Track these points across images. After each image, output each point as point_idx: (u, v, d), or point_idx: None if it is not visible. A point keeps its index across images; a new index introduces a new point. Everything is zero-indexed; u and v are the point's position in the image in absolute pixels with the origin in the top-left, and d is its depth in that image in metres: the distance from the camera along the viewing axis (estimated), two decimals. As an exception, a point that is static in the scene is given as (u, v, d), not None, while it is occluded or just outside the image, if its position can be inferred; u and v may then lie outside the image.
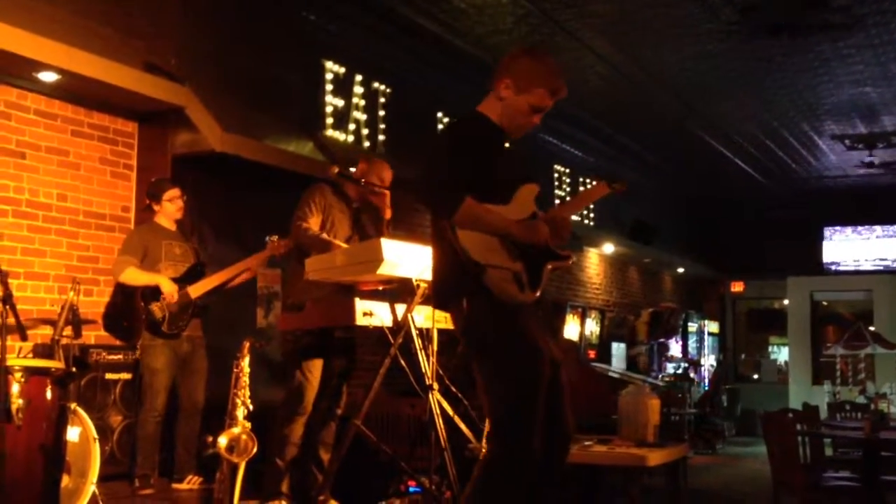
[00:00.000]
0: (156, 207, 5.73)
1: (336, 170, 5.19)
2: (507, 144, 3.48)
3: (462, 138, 3.30)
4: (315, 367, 4.89)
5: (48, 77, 5.51)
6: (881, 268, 15.50)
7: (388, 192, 5.08)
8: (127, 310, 5.61)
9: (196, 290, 5.59)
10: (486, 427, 4.03)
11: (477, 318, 3.19)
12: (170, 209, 5.72)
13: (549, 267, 3.30)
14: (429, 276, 4.25)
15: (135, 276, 5.51)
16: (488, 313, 3.17)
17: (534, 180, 3.44)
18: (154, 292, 5.50)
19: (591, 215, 11.83)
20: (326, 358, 4.95)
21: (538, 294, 3.26)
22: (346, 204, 5.11)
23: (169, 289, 5.49)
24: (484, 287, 3.11)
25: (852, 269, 15.67)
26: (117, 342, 5.80)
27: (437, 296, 3.39)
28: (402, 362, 4.46)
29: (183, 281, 5.60)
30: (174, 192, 5.74)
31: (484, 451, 4.03)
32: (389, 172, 5.19)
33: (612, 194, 3.57)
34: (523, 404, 3.13)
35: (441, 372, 4.42)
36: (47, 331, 4.66)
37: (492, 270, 3.12)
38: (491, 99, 3.37)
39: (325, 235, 4.89)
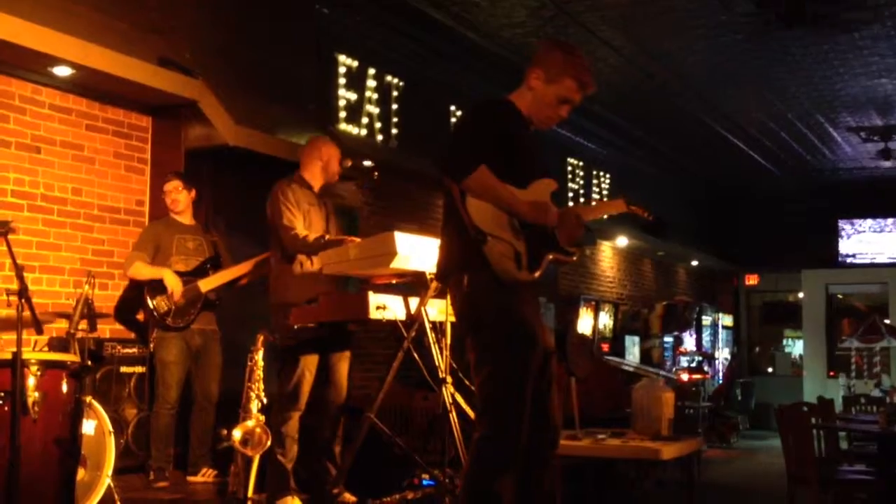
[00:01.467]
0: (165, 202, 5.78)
1: (349, 163, 5.19)
2: (531, 136, 3.50)
3: (489, 114, 3.37)
4: (313, 363, 4.87)
5: (63, 71, 5.53)
6: (897, 260, 15.41)
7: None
8: (139, 304, 5.64)
9: (207, 283, 5.60)
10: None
11: (476, 295, 3.23)
12: (166, 202, 5.74)
13: (550, 257, 3.32)
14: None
15: (140, 271, 5.54)
16: (487, 292, 3.21)
17: (552, 177, 3.48)
18: (160, 286, 5.53)
19: (605, 208, 11.78)
20: (325, 352, 4.92)
21: (536, 276, 3.28)
22: (315, 196, 5.08)
23: (171, 282, 5.51)
24: (484, 259, 3.14)
25: (868, 261, 15.57)
26: (132, 335, 5.84)
27: (441, 268, 3.43)
28: (416, 356, 4.47)
29: (194, 274, 5.61)
30: (168, 186, 5.76)
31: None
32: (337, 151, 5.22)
33: (629, 212, 3.66)
34: (513, 386, 3.17)
35: (454, 365, 4.42)
36: (63, 324, 4.69)
37: (493, 241, 3.16)
38: (522, 89, 3.45)
39: (327, 236, 4.88)
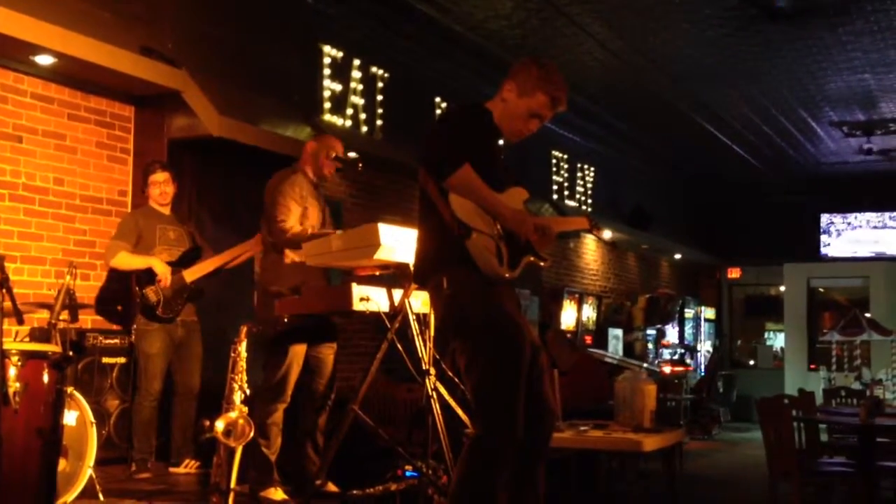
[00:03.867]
0: (146, 191, 5.73)
1: (334, 154, 5.17)
2: (500, 145, 3.57)
3: (469, 116, 3.41)
4: (301, 354, 4.86)
5: (45, 60, 5.49)
6: (878, 255, 15.52)
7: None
8: (121, 294, 5.61)
9: (191, 274, 5.59)
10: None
11: (457, 295, 3.24)
12: (153, 193, 5.70)
13: (528, 259, 3.39)
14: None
15: (126, 261, 5.51)
16: (469, 290, 3.22)
17: (524, 186, 3.52)
18: (149, 276, 5.50)
19: (589, 201, 11.82)
20: (312, 343, 4.91)
21: (515, 275, 3.32)
22: (315, 189, 5.06)
23: (162, 270, 5.49)
24: (466, 254, 3.16)
25: (849, 255, 15.68)
26: (114, 326, 5.81)
27: (418, 270, 3.44)
28: (399, 347, 4.47)
29: (178, 265, 5.59)
30: (157, 177, 5.70)
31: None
32: (340, 144, 5.16)
33: (588, 231, 3.75)
34: (505, 385, 3.17)
35: (438, 357, 4.43)
36: (44, 315, 4.67)
37: (477, 235, 3.18)
38: (495, 100, 3.49)
39: (309, 230, 4.87)
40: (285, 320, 4.62)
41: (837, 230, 15.83)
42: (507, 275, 3.28)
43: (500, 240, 3.26)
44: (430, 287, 3.38)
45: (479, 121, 3.40)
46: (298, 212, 4.89)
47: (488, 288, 3.23)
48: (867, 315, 13.85)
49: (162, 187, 5.70)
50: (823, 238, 15.81)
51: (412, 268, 3.48)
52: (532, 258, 3.40)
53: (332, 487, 4.71)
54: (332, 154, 5.05)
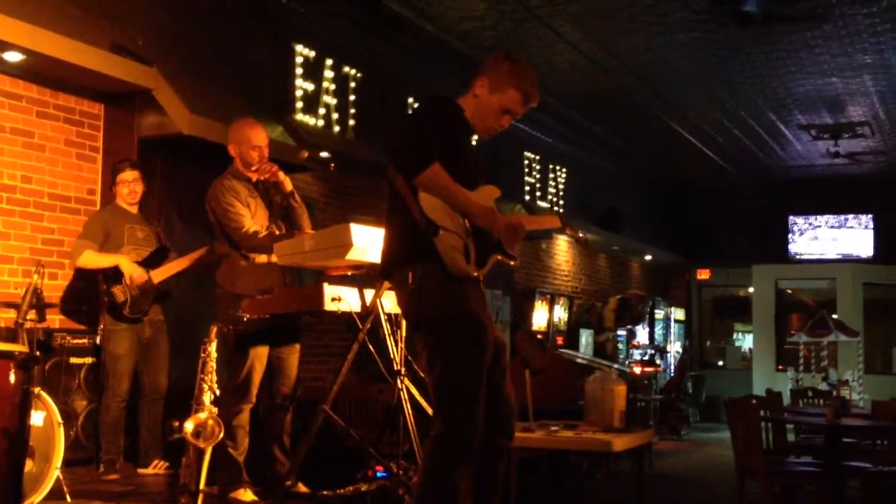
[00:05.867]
0: (114, 190, 5.68)
1: (306, 155, 5.15)
2: (473, 142, 3.54)
3: (443, 113, 3.38)
4: (263, 355, 4.82)
5: (12, 57, 5.42)
6: (844, 257, 15.72)
7: (270, 166, 4.85)
8: (87, 293, 5.55)
9: (158, 274, 5.55)
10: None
11: (422, 290, 3.23)
12: (121, 192, 5.65)
13: (498, 257, 3.39)
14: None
15: (93, 259, 5.45)
16: (435, 286, 3.22)
17: (495, 184, 3.51)
18: (116, 275, 5.45)
19: (561, 203, 11.87)
20: (274, 344, 4.88)
21: (483, 273, 3.33)
22: (254, 187, 4.94)
23: (129, 269, 5.44)
24: (433, 251, 3.16)
25: (816, 257, 15.87)
26: (82, 326, 5.75)
27: (384, 263, 3.43)
28: (371, 348, 4.46)
29: (145, 265, 5.55)
30: (126, 175, 5.65)
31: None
32: (262, 132, 4.95)
33: (559, 230, 3.70)
34: (467, 381, 3.18)
35: (409, 357, 4.43)
36: (11, 314, 4.62)
37: (444, 234, 3.18)
38: (467, 96, 3.47)
39: (276, 231, 4.83)
40: (245, 319, 4.58)
41: (804, 232, 16.01)
42: (474, 273, 3.28)
43: (467, 237, 3.26)
44: (394, 280, 3.37)
45: (452, 117, 3.38)
46: (249, 213, 4.82)
47: (454, 284, 3.23)
48: (834, 316, 14.02)
49: (131, 186, 5.65)
50: (791, 240, 15.99)
51: (381, 259, 3.46)
52: (500, 256, 3.41)
53: (302, 488, 4.69)
54: (252, 143, 4.88)
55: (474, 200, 3.29)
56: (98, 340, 5.53)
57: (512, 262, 3.48)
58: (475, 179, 3.40)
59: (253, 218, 4.85)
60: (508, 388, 3.40)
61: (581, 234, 3.99)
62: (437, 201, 3.20)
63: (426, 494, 3.17)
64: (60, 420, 4.38)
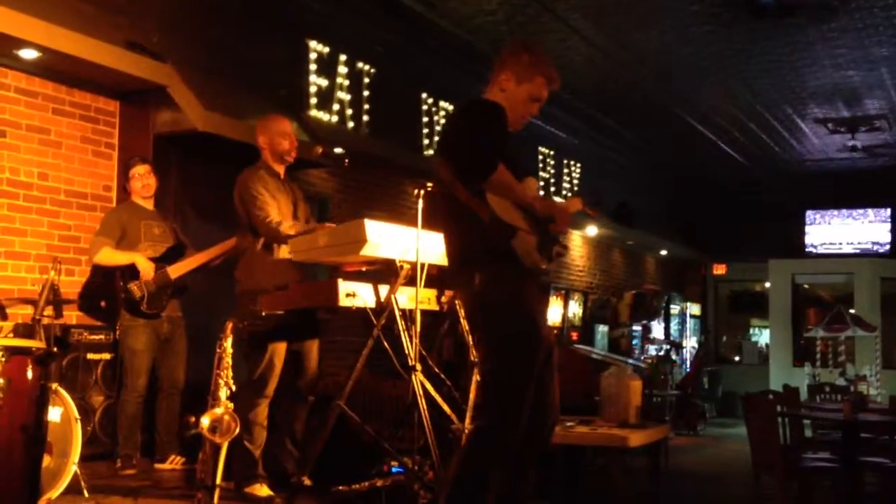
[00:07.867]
0: (128, 186, 5.70)
1: (320, 150, 5.15)
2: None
3: (492, 114, 3.46)
4: (281, 351, 4.83)
5: (28, 54, 5.45)
6: (862, 251, 15.61)
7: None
8: (105, 290, 5.57)
9: (176, 270, 5.56)
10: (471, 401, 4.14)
11: (486, 290, 3.32)
12: (135, 187, 5.67)
13: (561, 249, 3.52)
14: (412, 257, 4.27)
15: (110, 256, 5.47)
16: (498, 287, 3.31)
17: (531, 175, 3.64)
18: (133, 271, 5.48)
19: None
20: (294, 340, 4.89)
21: (551, 264, 3.51)
22: (282, 182, 4.99)
23: (144, 266, 5.46)
24: (506, 252, 3.25)
25: (833, 252, 15.77)
26: (99, 322, 5.78)
27: (450, 269, 3.52)
28: (385, 344, 4.46)
29: (162, 261, 5.57)
30: (139, 169, 5.67)
31: (467, 428, 4.09)
32: (289, 123, 5.07)
33: (582, 212, 3.85)
34: (517, 381, 3.26)
35: (424, 353, 4.43)
36: (28, 310, 4.63)
37: (522, 233, 3.29)
38: (493, 92, 3.55)
39: (306, 226, 4.85)
40: (262, 315, 4.59)
41: (822, 226, 15.91)
42: (544, 265, 3.42)
43: (534, 235, 3.36)
44: (459, 283, 3.48)
45: (500, 116, 3.46)
46: (276, 206, 4.86)
47: (518, 285, 3.34)
48: (851, 311, 13.93)
49: (144, 179, 5.67)
50: (808, 234, 15.89)
51: (448, 264, 3.56)
52: (558, 248, 3.51)
53: (306, 481, 4.69)
54: (283, 131, 4.97)
55: (536, 196, 3.44)
56: (117, 335, 5.56)
57: (564, 250, 3.60)
58: (517, 173, 3.46)
59: (279, 213, 4.87)
60: (555, 393, 3.48)
61: (592, 212, 4.22)
62: (505, 203, 3.29)
63: (457, 484, 3.22)
64: (77, 415, 4.41)
